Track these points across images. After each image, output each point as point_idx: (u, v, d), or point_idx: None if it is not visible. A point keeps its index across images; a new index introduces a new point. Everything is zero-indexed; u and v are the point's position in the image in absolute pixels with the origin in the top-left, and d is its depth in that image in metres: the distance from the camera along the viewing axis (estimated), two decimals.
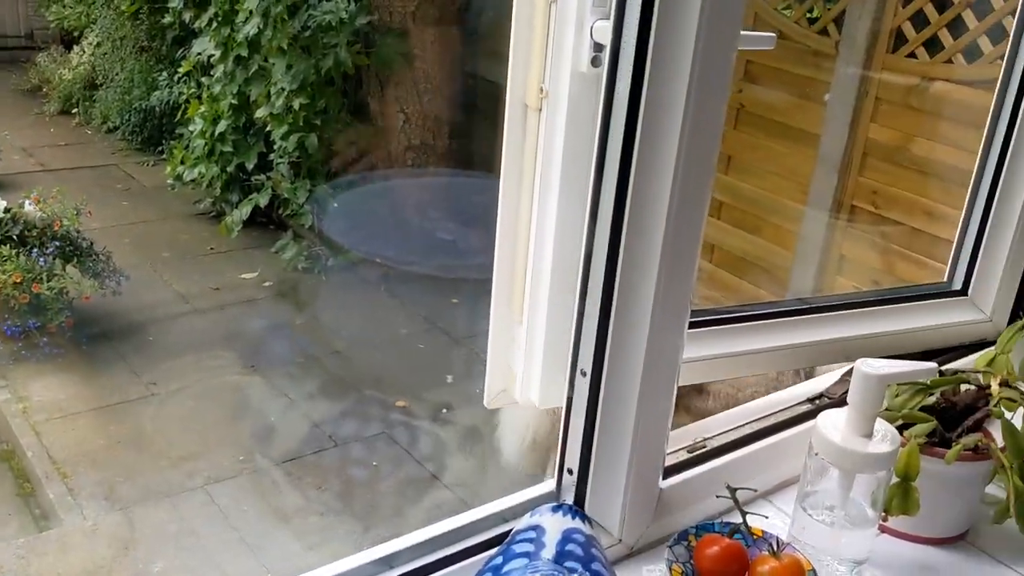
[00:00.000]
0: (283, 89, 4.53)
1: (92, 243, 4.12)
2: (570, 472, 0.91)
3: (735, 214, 3.70)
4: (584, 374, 0.88)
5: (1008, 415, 0.97)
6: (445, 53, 4.61)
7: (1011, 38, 1.24)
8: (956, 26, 3.09)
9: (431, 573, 0.86)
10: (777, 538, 0.92)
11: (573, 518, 0.79)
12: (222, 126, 5.09)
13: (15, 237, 3.94)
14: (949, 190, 3.20)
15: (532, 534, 0.76)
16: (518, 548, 0.74)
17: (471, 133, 4.82)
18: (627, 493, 0.91)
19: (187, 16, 5.49)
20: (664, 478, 0.96)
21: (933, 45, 3.15)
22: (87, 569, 2.78)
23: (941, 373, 1.03)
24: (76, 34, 7.13)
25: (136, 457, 3.27)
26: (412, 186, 4.91)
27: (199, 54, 5.32)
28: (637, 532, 0.94)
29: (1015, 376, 1.04)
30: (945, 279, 1.34)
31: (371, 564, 0.87)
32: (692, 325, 0.96)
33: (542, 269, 1.03)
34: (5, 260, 3.78)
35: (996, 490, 1.04)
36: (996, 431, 0.99)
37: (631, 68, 0.77)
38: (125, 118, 6.28)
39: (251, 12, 4.52)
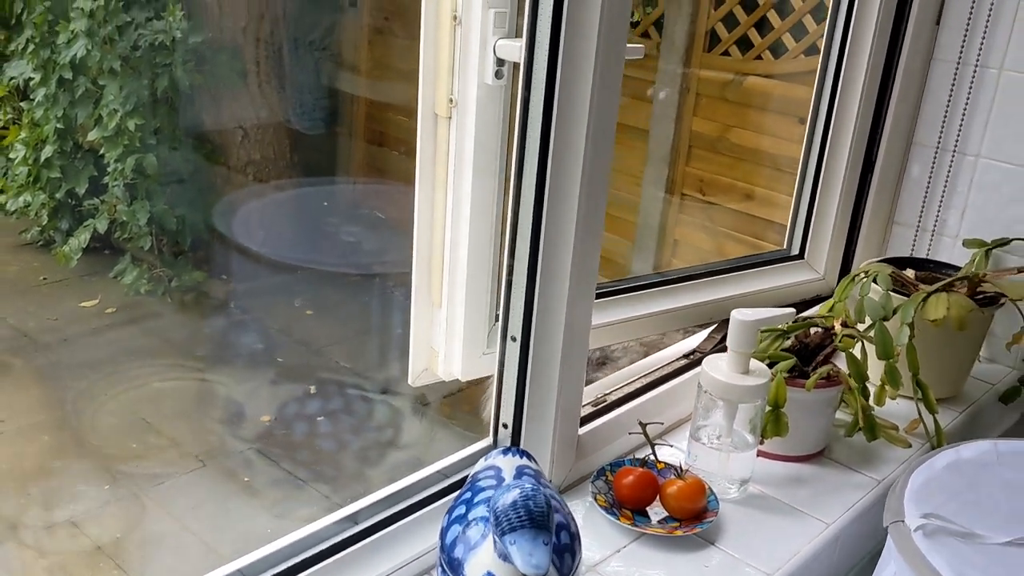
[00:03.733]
0: (116, 111, 4.45)
1: None
2: (505, 426, 1.06)
3: None
4: (515, 340, 1.02)
5: (850, 350, 1.19)
6: (282, 67, 4.65)
7: (828, 20, 1.46)
8: (762, 26, 3.42)
9: (393, 523, 0.99)
10: (680, 464, 1.10)
11: (522, 457, 0.93)
12: (47, 151, 4.92)
13: None
14: (765, 174, 3.54)
15: (491, 472, 0.90)
16: (483, 483, 0.88)
17: (317, 143, 4.86)
18: (554, 440, 1.07)
19: None
20: (580, 426, 1.12)
21: (744, 44, 3.47)
22: None
23: (794, 321, 1.24)
24: None
25: None
26: (252, 201, 4.90)
27: (13, 78, 5.11)
28: (563, 473, 1.10)
29: (852, 319, 1.26)
30: (785, 246, 1.57)
31: (337, 523, 0.99)
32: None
33: (458, 258, 1.17)
34: None
35: (841, 415, 1.26)
36: (841, 363, 1.20)
37: (544, 80, 0.92)
38: None
39: (75, 33, 4.41)
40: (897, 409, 1.28)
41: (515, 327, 1.02)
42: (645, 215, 3.92)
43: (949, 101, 1.48)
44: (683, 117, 3.71)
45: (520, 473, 0.90)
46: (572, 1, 0.90)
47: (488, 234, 1.16)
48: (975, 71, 1.45)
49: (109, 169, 4.65)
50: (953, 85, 1.47)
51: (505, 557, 0.76)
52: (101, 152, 4.67)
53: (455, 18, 1.07)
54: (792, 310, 1.15)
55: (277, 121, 4.69)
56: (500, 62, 1.07)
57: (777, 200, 3.46)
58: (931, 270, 1.44)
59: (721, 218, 3.74)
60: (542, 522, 0.74)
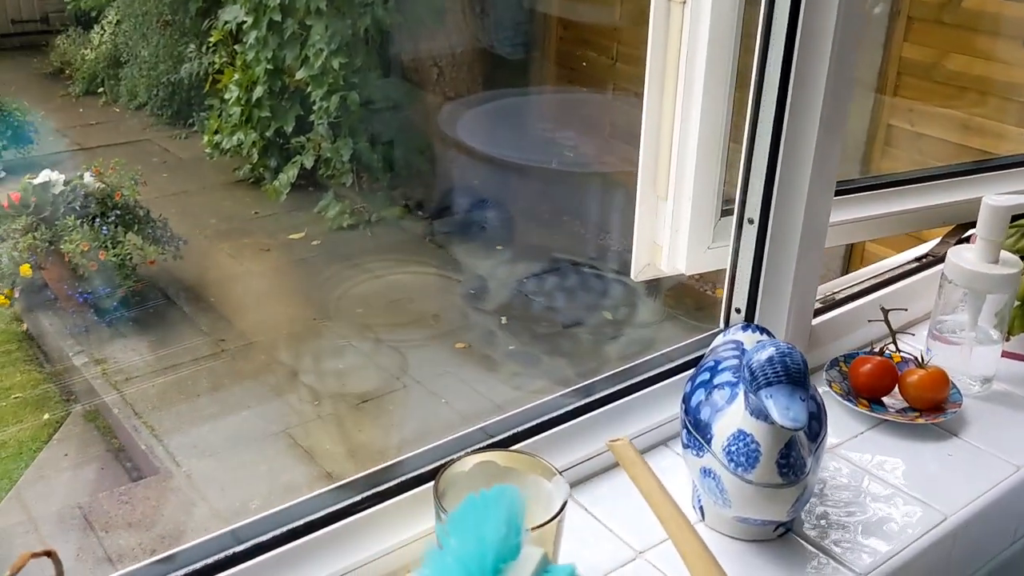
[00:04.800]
0: (321, 50, 4.65)
1: (149, 211, 4.26)
2: (738, 311, 1.06)
3: None
4: (751, 222, 1.02)
5: None
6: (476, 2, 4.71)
7: None
8: None
9: (625, 396, 1.01)
10: (919, 356, 1.07)
11: (762, 334, 0.93)
12: (258, 92, 5.20)
13: (77, 208, 4.08)
14: (986, 103, 3.31)
15: (732, 346, 0.91)
16: (725, 354, 0.89)
17: (519, 66, 4.89)
18: (788, 326, 1.06)
19: None
20: (813, 317, 1.11)
21: None
22: (185, 507, 2.95)
23: None
24: (93, 14, 7.20)
25: (216, 409, 3.43)
26: (467, 110, 4.95)
27: (227, 23, 5.41)
28: None
29: None
30: None
31: (570, 394, 1.02)
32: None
33: (687, 148, 1.17)
34: (71, 230, 3.92)
35: None
36: None
37: None
38: (153, 93, 6.37)
39: None
40: None
41: (752, 210, 1.02)
42: (846, 148, 3.76)
43: None
44: (892, 42, 3.51)
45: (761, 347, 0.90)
46: None
47: (720, 124, 1.15)
48: None
49: (314, 108, 4.89)
50: None
51: (758, 414, 0.77)
52: (307, 91, 4.90)
53: None
54: None
55: (478, 49, 4.76)
56: None
57: (1000, 130, 3.24)
58: None
59: (934, 151, 3.54)
60: (799, 378, 0.74)
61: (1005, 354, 1.14)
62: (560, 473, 0.77)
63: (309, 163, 4.97)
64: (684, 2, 1.11)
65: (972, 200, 1.37)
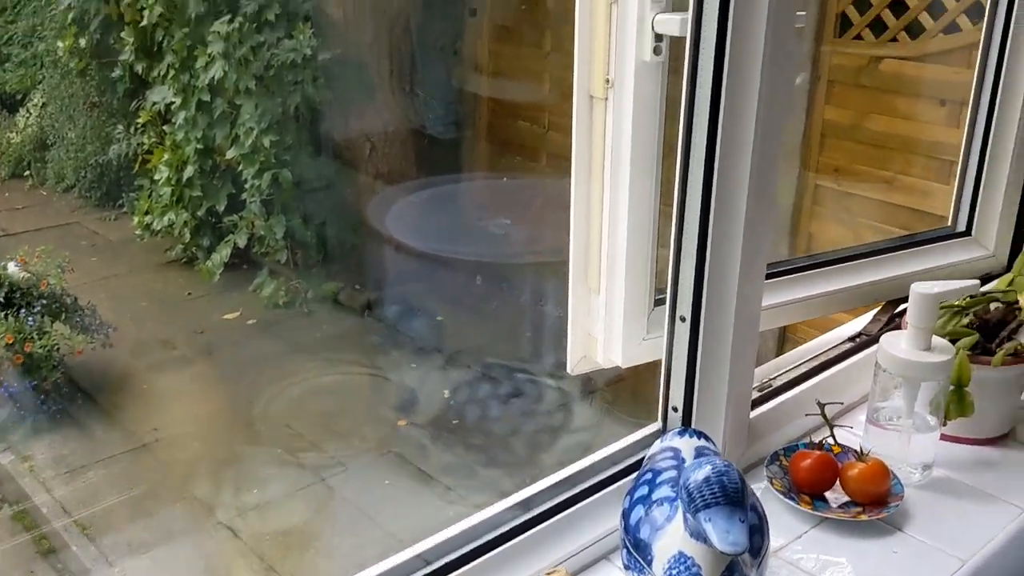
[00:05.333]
0: (251, 129, 4.62)
1: (76, 299, 4.15)
2: (675, 410, 1.04)
3: None
4: (684, 320, 1.00)
5: None
6: (412, 75, 4.74)
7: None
8: (896, 6, 3.30)
9: (565, 509, 0.98)
10: (859, 447, 1.06)
11: (699, 439, 0.91)
12: (189, 171, 5.14)
13: (1, 300, 3.96)
14: (907, 160, 3.39)
15: (669, 453, 0.88)
16: (662, 464, 0.86)
17: (449, 146, 4.91)
18: (726, 423, 1.04)
19: (139, 68, 5.54)
20: (751, 409, 1.09)
21: (877, 26, 3.35)
22: None
23: (971, 295, 1.17)
24: (19, 97, 7.09)
25: (151, 503, 3.30)
26: (393, 202, 4.96)
27: (156, 103, 5.36)
28: (736, 457, 1.07)
29: None
30: (950, 223, 1.50)
31: (510, 510, 0.99)
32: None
33: (617, 242, 1.15)
34: None
35: None
36: None
37: (713, 51, 0.90)
38: (81, 175, 6.26)
39: (212, 56, 4.60)
40: None
41: (684, 307, 1.00)
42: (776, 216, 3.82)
43: None
44: (815, 105, 3.60)
45: (700, 454, 0.88)
46: None
47: (647, 217, 1.14)
48: None
49: (246, 186, 4.83)
50: None
51: (698, 535, 0.74)
52: (239, 170, 4.85)
53: None
54: (976, 281, 1.09)
55: (407, 128, 4.77)
56: (658, 37, 1.05)
57: (922, 186, 3.31)
58: None
59: (860, 208, 3.61)
60: (737, 498, 0.72)
61: (944, 437, 1.13)
62: None
63: (242, 241, 4.91)
64: (606, 98, 1.11)
65: (901, 276, 1.38)
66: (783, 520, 1.00)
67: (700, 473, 0.73)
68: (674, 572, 0.75)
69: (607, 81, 1.09)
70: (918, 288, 1.02)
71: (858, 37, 3.44)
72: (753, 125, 0.93)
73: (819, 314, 1.33)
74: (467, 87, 4.83)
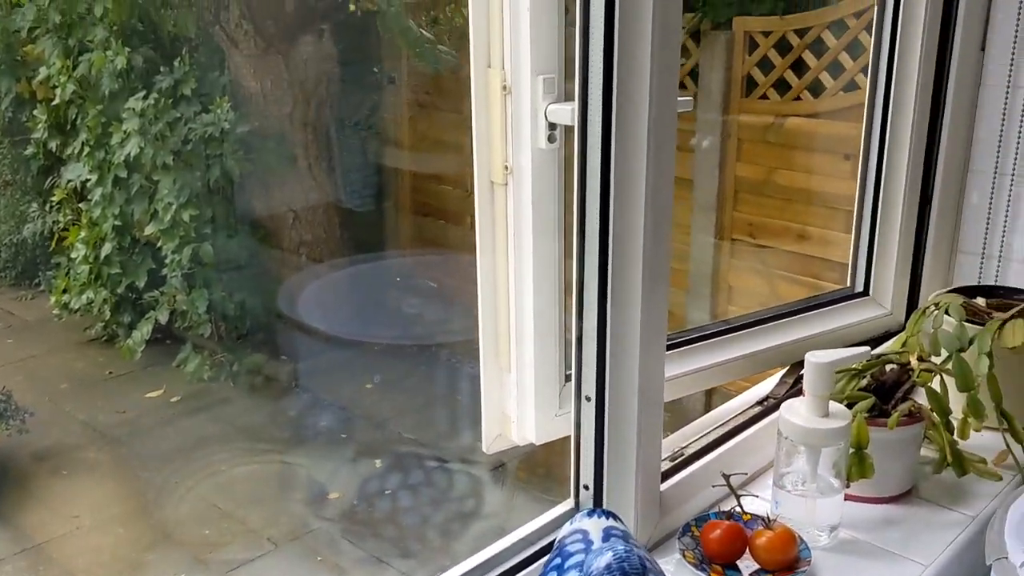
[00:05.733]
0: (170, 204, 4.58)
1: None
2: (586, 488, 1.05)
3: None
4: (589, 399, 1.02)
5: (928, 384, 1.16)
6: (329, 148, 4.76)
7: (871, 54, 1.47)
8: (798, 67, 3.43)
9: None
10: (767, 514, 1.08)
11: (608, 519, 0.92)
12: (107, 248, 5.06)
13: None
14: (815, 212, 3.51)
15: (579, 536, 0.90)
16: (571, 548, 0.88)
17: (367, 219, 4.94)
18: (637, 499, 1.05)
19: (53, 145, 5.46)
20: (661, 482, 1.11)
21: (781, 86, 3.48)
22: None
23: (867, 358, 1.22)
24: None
25: None
26: (309, 281, 4.98)
27: (71, 181, 5.29)
28: (648, 531, 1.08)
29: (927, 352, 1.24)
30: (848, 284, 1.55)
31: None
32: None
33: (524, 322, 1.18)
34: None
35: (927, 452, 1.23)
36: (921, 399, 1.18)
37: (599, 140, 0.93)
38: None
39: (127, 133, 4.57)
40: (983, 441, 1.25)
41: (588, 387, 1.02)
42: (697, 263, 3.91)
43: (1003, 126, 1.47)
44: (727, 164, 3.71)
45: (608, 535, 0.89)
46: (622, 61, 0.91)
47: (552, 295, 1.16)
48: None
49: (167, 261, 4.77)
50: (1005, 109, 1.46)
51: None
52: (158, 245, 4.79)
53: (504, 87, 1.09)
54: (867, 348, 1.13)
55: (327, 201, 4.79)
56: (552, 126, 1.08)
57: (831, 238, 3.43)
58: (1002, 296, 1.41)
59: (775, 260, 3.71)
60: None
61: (849, 497, 1.16)
62: None
63: (164, 317, 4.83)
64: (506, 184, 1.14)
65: (804, 339, 1.43)
66: None
67: (601, 561, 0.75)
68: None
69: (506, 167, 1.12)
70: (812, 358, 1.06)
71: (764, 97, 3.57)
72: (643, 208, 0.96)
73: (727, 380, 1.36)
74: (384, 159, 4.87)
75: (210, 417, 4.48)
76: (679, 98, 1.02)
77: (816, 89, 3.46)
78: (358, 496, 3.59)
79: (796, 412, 1.07)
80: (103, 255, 4.98)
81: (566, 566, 0.85)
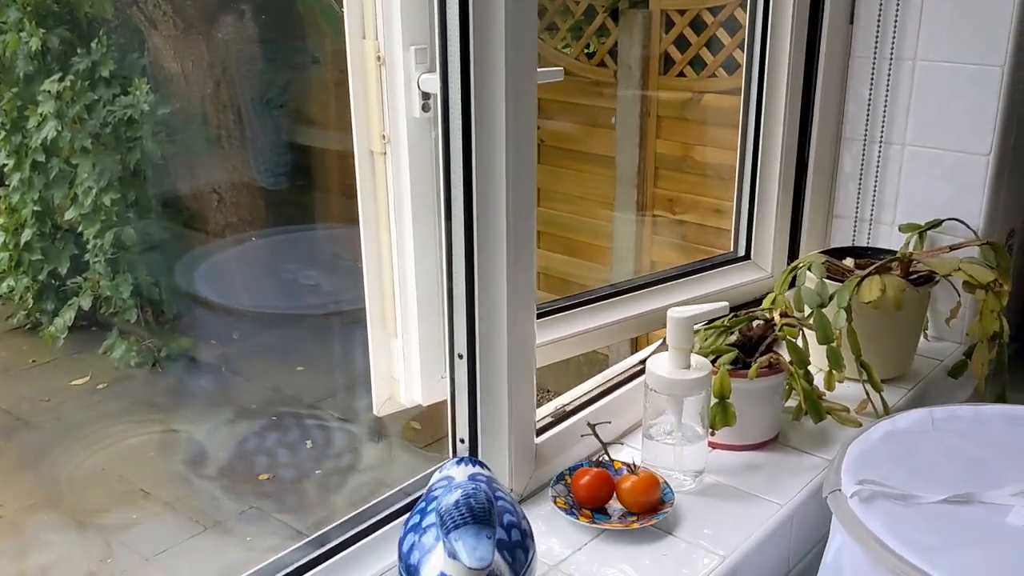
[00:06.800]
0: (90, 188, 4.52)
1: None
2: (462, 441, 1.10)
3: (554, 240, 3.98)
4: (461, 357, 1.07)
5: (791, 338, 1.24)
6: (244, 128, 4.74)
7: (747, 30, 1.54)
8: (713, 45, 3.51)
9: (358, 541, 1.03)
10: (632, 461, 1.15)
11: (474, 466, 0.97)
12: (27, 235, 4.98)
13: None
14: (731, 187, 3.60)
15: (444, 482, 0.94)
16: (437, 493, 0.92)
17: (282, 197, 4.93)
18: (511, 451, 1.11)
19: None
20: (537, 436, 1.17)
21: (697, 63, 3.56)
22: None
23: (736, 314, 1.28)
24: None
25: None
26: (222, 259, 4.95)
27: None
28: (524, 481, 1.14)
29: (791, 308, 1.31)
30: (731, 249, 1.62)
31: (304, 547, 1.03)
32: (540, 315, 1.18)
33: (408, 288, 1.22)
34: None
35: (793, 402, 1.30)
36: (783, 352, 1.25)
37: (459, 109, 0.98)
38: None
39: (44, 116, 4.49)
40: (848, 392, 1.33)
41: (460, 345, 1.07)
42: (620, 239, 3.98)
43: (871, 94, 1.55)
44: (647, 140, 3.78)
45: (472, 479, 0.94)
46: (477, 32, 0.96)
47: (434, 261, 1.21)
48: (891, 63, 1.51)
49: (89, 246, 4.71)
50: (872, 79, 1.54)
51: (454, 555, 0.80)
52: (80, 230, 4.73)
53: (379, 58, 1.12)
54: (726, 303, 1.20)
55: (245, 180, 4.77)
56: (425, 95, 1.12)
57: None
58: (870, 256, 1.49)
59: (694, 234, 3.80)
60: (484, 518, 0.78)
61: (716, 446, 1.23)
62: None
63: (87, 304, 4.77)
64: (384, 153, 1.18)
65: (689, 300, 1.49)
66: (566, 535, 1.08)
67: (451, 497, 0.79)
68: None
69: (383, 137, 1.16)
70: (673, 313, 1.12)
71: (681, 74, 3.65)
72: (504, 177, 1.01)
73: (613, 341, 1.42)
74: (297, 137, 4.87)
75: (137, 402, 4.44)
76: (546, 69, 1.07)
77: (730, 66, 3.53)
78: (237, 454, 3.66)
79: (660, 365, 1.14)
80: (23, 241, 4.90)
81: (428, 509, 0.89)
